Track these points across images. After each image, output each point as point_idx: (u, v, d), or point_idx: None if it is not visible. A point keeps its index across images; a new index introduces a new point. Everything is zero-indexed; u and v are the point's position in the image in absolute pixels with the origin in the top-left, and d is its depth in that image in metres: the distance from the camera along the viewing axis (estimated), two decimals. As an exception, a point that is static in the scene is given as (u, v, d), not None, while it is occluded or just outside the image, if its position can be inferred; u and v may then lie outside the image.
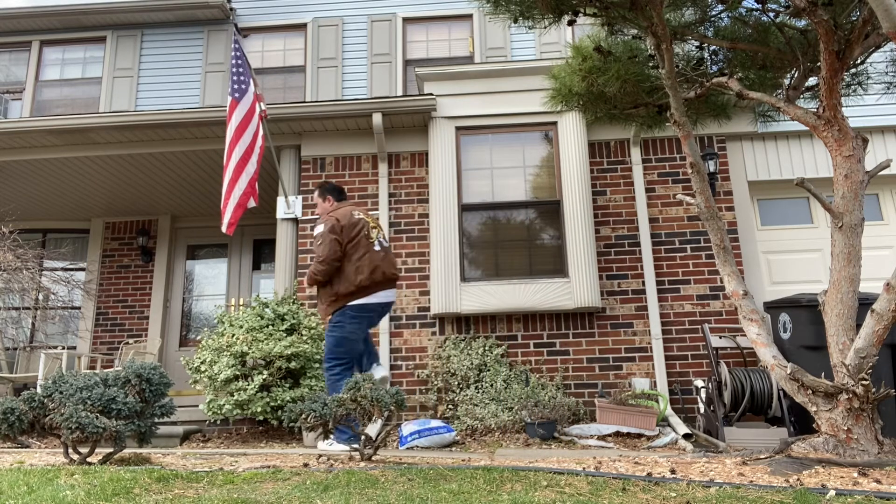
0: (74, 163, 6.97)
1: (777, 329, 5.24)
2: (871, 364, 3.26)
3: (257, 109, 5.76)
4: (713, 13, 4.52)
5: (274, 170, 6.75)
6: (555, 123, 6.32)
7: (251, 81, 5.80)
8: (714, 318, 5.93)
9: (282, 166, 6.60)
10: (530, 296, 5.85)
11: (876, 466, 2.97)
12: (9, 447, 4.18)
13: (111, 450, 3.24)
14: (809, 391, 3.41)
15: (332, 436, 4.08)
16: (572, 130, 6.24)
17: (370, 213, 4.78)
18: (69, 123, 6.49)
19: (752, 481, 2.75)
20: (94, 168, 7.12)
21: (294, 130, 6.59)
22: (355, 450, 3.47)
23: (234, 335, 5.33)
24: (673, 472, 3.01)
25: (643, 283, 6.06)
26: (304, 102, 7.14)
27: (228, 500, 2.33)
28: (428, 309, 6.08)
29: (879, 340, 3.25)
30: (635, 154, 6.41)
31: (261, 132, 5.73)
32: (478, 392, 5.61)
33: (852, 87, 4.81)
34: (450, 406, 5.70)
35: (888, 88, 5.08)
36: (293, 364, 5.24)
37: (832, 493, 2.44)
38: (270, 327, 5.47)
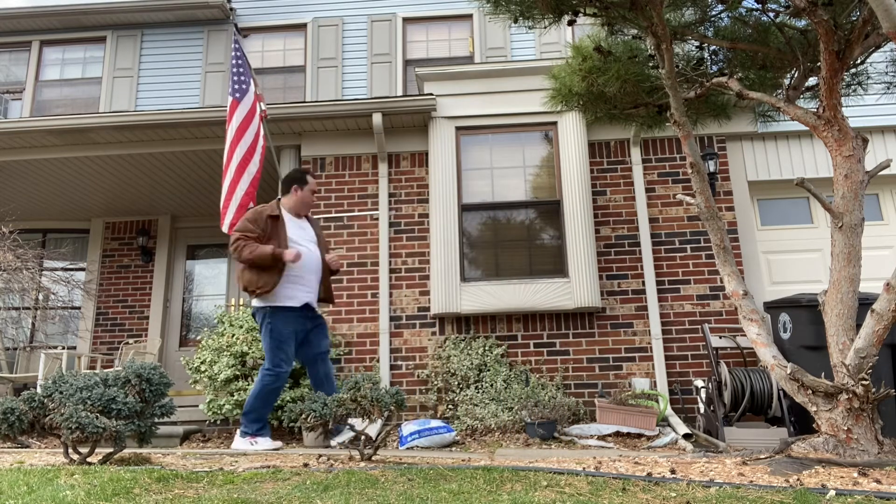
0: (74, 163, 6.97)
1: (777, 329, 5.24)
2: (871, 364, 3.26)
3: (258, 110, 5.76)
4: (713, 13, 4.52)
5: (274, 170, 6.75)
6: (555, 123, 6.32)
7: (251, 82, 5.81)
8: (714, 318, 5.93)
9: (282, 166, 6.60)
10: (530, 296, 5.85)
11: (876, 466, 2.97)
12: (9, 447, 4.18)
13: (111, 450, 3.24)
14: (809, 391, 3.41)
15: (245, 436, 4.32)
16: (572, 130, 6.24)
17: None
18: (69, 123, 6.49)
19: (752, 481, 2.75)
20: (94, 168, 7.12)
21: (294, 130, 6.59)
22: (355, 447, 3.47)
23: (234, 335, 5.33)
24: (673, 472, 3.01)
25: (643, 283, 6.06)
26: (304, 102, 7.14)
27: (228, 500, 2.33)
28: (428, 309, 6.08)
29: (879, 340, 3.25)
30: (635, 154, 6.41)
31: (262, 132, 5.73)
32: (478, 392, 5.62)
33: (852, 87, 4.81)
34: (450, 406, 5.70)
35: (888, 88, 5.08)
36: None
37: (832, 493, 2.44)
38: (270, 327, 5.47)
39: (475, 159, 6.37)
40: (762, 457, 3.31)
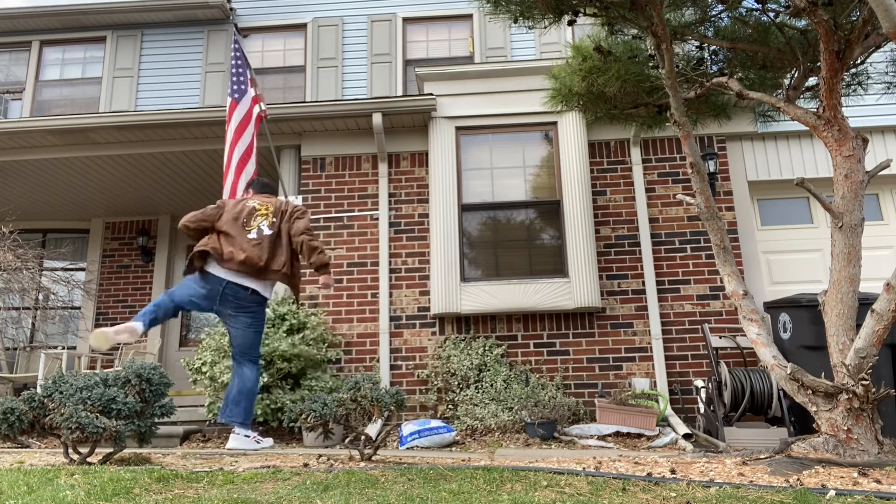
0: (74, 163, 6.97)
1: (777, 329, 5.24)
2: (871, 364, 3.26)
3: (255, 111, 5.76)
4: (713, 13, 4.52)
5: (274, 170, 6.75)
6: (555, 123, 6.32)
7: (249, 82, 5.80)
8: (714, 318, 5.93)
9: (282, 166, 6.60)
10: (530, 296, 5.85)
11: (876, 466, 2.97)
12: (9, 447, 4.18)
13: (111, 450, 3.24)
14: (809, 391, 3.41)
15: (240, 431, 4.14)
16: (572, 130, 6.24)
17: (268, 200, 4.66)
18: (69, 123, 6.49)
19: (752, 481, 2.75)
20: (94, 168, 7.11)
21: (294, 130, 6.58)
22: (355, 447, 3.47)
23: (234, 335, 5.32)
24: (673, 472, 3.01)
25: (643, 283, 6.06)
26: (304, 102, 7.14)
27: (228, 500, 2.33)
28: (428, 309, 6.08)
29: (879, 340, 3.25)
30: (635, 154, 6.41)
31: (253, 132, 5.73)
32: (478, 392, 5.61)
33: (852, 87, 4.81)
34: (450, 406, 5.70)
35: (888, 88, 5.08)
36: (293, 364, 5.24)
37: (832, 493, 2.45)
38: (271, 328, 5.47)
39: (475, 159, 6.37)
40: (762, 457, 3.32)
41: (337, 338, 6.02)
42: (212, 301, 3.93)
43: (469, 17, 9.01)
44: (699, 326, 5.88)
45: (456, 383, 5.74)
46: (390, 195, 6.43)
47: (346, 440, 3.58)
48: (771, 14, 4.19)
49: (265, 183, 4.77)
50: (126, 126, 6.49)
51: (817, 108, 3.72)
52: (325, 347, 5.78)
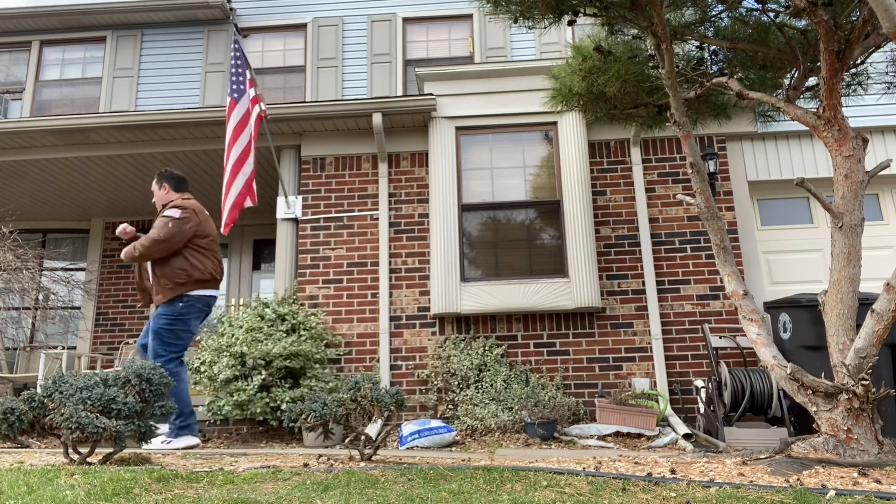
0: (74, 163, 6.97)
1: (777, 329, 5.24)
2: (871, 364, 3.26)
3: (254, 110, 5.75)
4: (713, 13, 4.52)
5: (274, 170, 6.75)
6: (555, 123, 6.32)
7: (249, 82, 5.80)
8: (714, 318, 5.93)
9: (282, 166, 6.60)
10: (530, 296, 5.85)
11: (876, 466, 2.97)
12: (9, 447, 4.18)
13: (111, 450, 3.24)
14: (809, 391, 3.41)
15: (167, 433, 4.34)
16: (572, 130, 6.24)
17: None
18: (69, 123, 6.49)
19: (752, 481, 2.75)
20: (94, 168, 7.12)
21: (294, 130, 6.59)
22: (355, 447, 3.47)
23: (233, 335, 5.34)
24: (673, 472, 3.01)
25: (643, 283, 6.06)
26: (304, 102, 7.14)
27: (228, 500, 2.33)
28: (428, 309, 6.08)
29: (879, 340, 3.25)
30: (635, 154, 6.41)
31: (252, 133, 5.72)
32: (478, 392, 5.62)
33: (852, 87, 4.81)
34: (450, 406, 5.70)
35: (888, 88, 5.07)
36: (293, 364, 5.24)
37: (832, 493, 2.44)
38: (270, 327, 5.48)
39: (475, 159, 6.37)
40: (762, 457, 3.32)
41: (337, 337, 6.02)
42: None
43: (469, 17, 9.02)
44: (699, 326, 5.88)
45: (456, 383, 5.74)
46: (390, 195, 6.43)
47: (346, 440, 3.58)
48: (771, 14, 4.19)
49: (183, 179, 4.96)
50: (126, 126, 6.49)
51: (817, 108, 3.72)
52: (324, 346, 5.78)
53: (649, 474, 2.91)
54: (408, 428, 5.04)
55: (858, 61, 4.40)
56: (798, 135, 6.65)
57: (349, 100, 7.61)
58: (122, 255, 4.61)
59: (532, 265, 6.08)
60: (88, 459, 3.18)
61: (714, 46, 4.67)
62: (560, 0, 4.07)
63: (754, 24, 4.35)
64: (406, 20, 9.11)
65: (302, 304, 6.11)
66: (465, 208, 6.19)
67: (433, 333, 6.05)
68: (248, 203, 5.68)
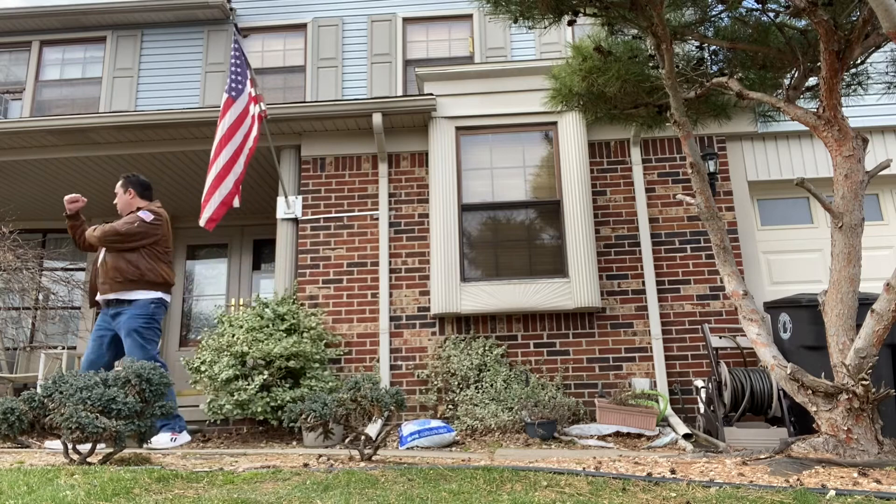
0: (74, 163, 6.97)
1: (777, 329, 5.24)
2: (871, 364, 3.26)
3: (251, 111, 5.72)
4: (713, 13, 4.52)
5: (274, 170, 6.75)
6: (555, 123, 6.32)
7: (248, 83, 5.78)
8: (714, 318, 5.93)
9: (282, 166, 6.60)
10: (530, 296, 5.85)
11: (876, 466, 2.97)
12: (9, 447, 4.18)
13: (111, 450, 3.24)
14: (809, 391, 3.41)
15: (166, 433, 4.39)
16: (572, 130, 6.24)
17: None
18: (69, 123, 6.49)
19: (752, 481, 2.76)
20: (94, 168, 7.12)
21: (294, 130, 6.58)
22: (355, 447, 3.47)
23: (234, 335, 5.34)
24: (673, 472, 3.01)
25: (643, 283, 6.06)
26: (304, 102, 7.14)
27: (228, 500, 2.33)
28: (428, 309, 6.08)
29: (879, 340, 3.25)
30: (635, 154, 6.41)
31: (252, 134, 5.68)
32: (478, 392, 5.61)
33: (852, 87, 4.81)
34: (450, 406, 5.70)
35: (888, 88, 5.07)
36: (293, 364, 5.24)
37: (832, 493, 2.45)
38: (270, 327, 5.48)
39: (475, 159, 6.37)
40: (762, 457, 3.32)
41: (337, 337, 6.02)
42: None
43: (469, 17, 9.02)
44: (699, 326, 5.88)
45: (456, 383, 5.74)
46: (390, 195, 6.43)
47: (346, 440, 3.58)
48: (771, 14, 4.19)
49: (149, 185, 5.05)
50: (126, 126, 6.49)
51: (817, 108, 3.72)
52: (324, 347, 5.78)
53: (649, 474, 2.91)
54: (408, 428, 5.04)
55: (858, 61, 4.40)
56: (798, 135, 6.65)
57: (349, 100, 7.61)
58: (86, 234, 4.66)
59: (532, 265, 6.08)
60: (88, 459, 3.18)
61: (714, 46, 4.67)
62: (560, 0, 4.07)
63: (754, 24, 4.35)
64: (406, 20, 9.11)
65: (302, 304, 6.11)
66: (465, 208, 6.19)
67: (433, 333, 6.05)
68: (236, 203, 5.66)
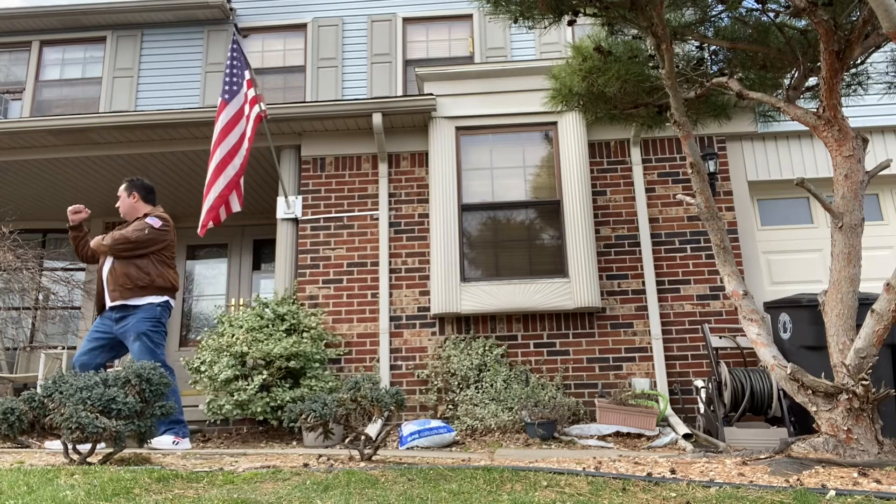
0: (74, 163, 6.97)
1: (777, 329, 5.24)
2: (871, 364, 3.26)
3: (246, 112, 5.70)
4: (713, 13, 4.52)
5: (274, 170, 6.75)
6: (555, 123, 6.32)
7: (245, 84, 5.76)
8: (714, 318, 5.93)
9: (282, 166, 6.60)
10: (530, 296, 5.85)
11: (876, 466, 2.97)
12: (9, 447, 4.18)
13: (111, 450, 3.24)
14: (809, 391, 3.41)
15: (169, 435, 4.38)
16: (572, 130, 6.24)
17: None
18: (69, 123, 6.49)
19: (752, 481, 2.76)
20: (94, 168, 7.12)
21: (294, 130, 6.59)
22: (355, 447, 3.47)
23: (234, 335, 5.33)
24: (673, 472, 3.01)
25: (643, 283, 6.06)
26: (304, 102, 7.14)
27: (228, 500, 2.33)
28: (428, 309, 6.08)
29: (879, 340, 3.25)
30: (635, 154, 6.41)
31: (248, 134, 5.63)
32: (478, 392, 5.61)
33: (852, 87, 4.81)
34: (450, 406, 5.70)
35: (888, 88, 5.08)
36: (293, 364, 5.24)
37: (832, 493, 2.44)
38: (270, 327, 5.48)
39: (475, 159, 6.37)
40: (762, 457, 3.32)
41: (337, 338, 6.02)
42: None
43: (469, 17, 9.02)
44: (699, 326, 5.88)
45: (456, 383, 5.74)
46: (390, 195, 6.43)
47: (346, 440, 3.58)
48: (771, 14, 4.18)
49: (153, 189, 5.03)
50: (126, 126, 6.49)
51: (817, 108, 3.72)
52: (324, 347, 5.78)
53: (649, 474, 2.91)
54: (408, 428, 5.04)
55: (858, 61, 4.40)
56: (798, 135, 6.65)
57: (349, 100, 7.61)
58: (92, 243, 4.66)
59: (532, 265, 6.08)
60: (88, 459, 3.18)
61: (714, 46, 4.67)
62: (560, 0, 4.07)
63: (754, 24, 4.35)
64: (406, 20, 9.11)
65: (302, 304, 6.11)
66: (465, 208, 6.19)
67: (433, 333, 6.05)
68: (237, 207, 5.63)
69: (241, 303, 8.35)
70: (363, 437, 3.43)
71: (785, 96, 4.19)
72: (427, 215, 6.31)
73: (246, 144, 5.59)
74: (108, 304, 4.58)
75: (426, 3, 9.14)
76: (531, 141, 6.41)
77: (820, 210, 6.50)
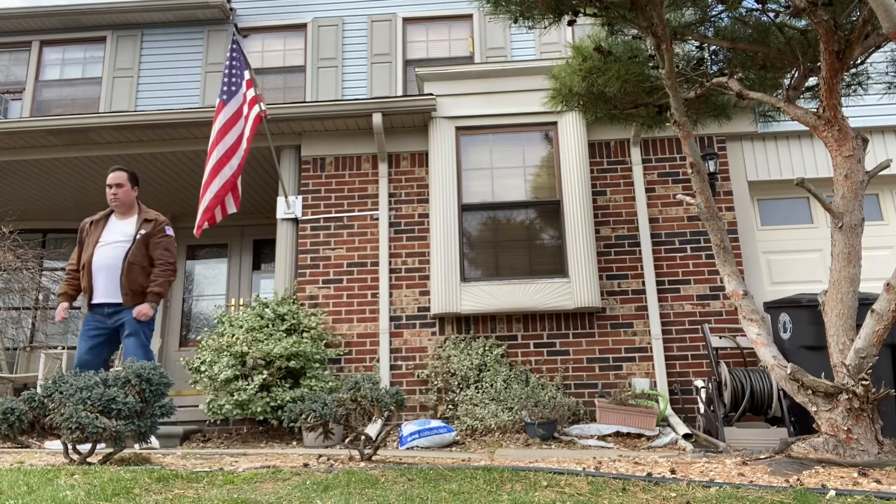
0: (74, 163, 6.97)
1: (777, 329, 5.24)
2: (871, 364, 3.26)
3: (244, 112, 5.69)
4: (713, 13, 4.52)
5: (274, 170, 6.75)
6: (555, 123, 6.32)
7: (244, 84, 5.75)
8: (714, 318, 5.93)
9: (282, 166, 6.59)
10: (530, 296, 5.85)
11: (876, 466, 2.97)
12: (9, 447, 4.18)
13: (111, 450, 3.24)
14: (809, 391, 3.41)
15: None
16: (572, 130, 6.24)
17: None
18: (69, 123, 6.49)
19: (752, 481, 2.76)
20: (94, 168, 7.11)
21: (294, 130, 6.58)
22: (355, 447, 3.47)
23: (234, 335, 5.33)
24: (673, 472, 3.01)
25: (643, 283, 6.06)
26: (304, 102, 7.14)
27: (228, 500, 2.33)
28: (428, 309, 6.08)
29: (879, 340, 3.25)
30: (635, 154, 6.41)
31: (246, 135, 5.60)
32: (478, 392, 5.61)
33: (852, 87, 4.81)
34: (450, 406, 5.70)
35: (888, 88, 5.07)
36: (293, 364, 5.24)
37: (832, 493, 2.45)
38: (270, 327, 5.48)
39: (475, 159, 6.37)
40: (762, 457, 3.32)
41: (337, 338, 6.02)
42: None
43: (469, 17, 9.02)
44: (699, 326, 5.88)
45: (456, 383, 5.74)
46: (390, 195, 6.43)
47: (346, 440, 3.58)
48: (771, 14, 4.18)
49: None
50: (126, 126, 6.49)
51: (817, 108, 3.72)
52: (324, 347, 5.78)
53: (649, 474, 2.91)
54: (408, 428, 5.04)
55: (858, 61, 4.40)
56: (798, 135, 6.65)
57: (349, 100, 7.61)
58: (158, 285, 4.63)
59: (532, 265, 6.08)
60: (88, 459, 3.18)
61: (714, 46, 4.67)
62: (560, 0, 4.07)
63: (754, 24, 4.35)
64: (406, 20, 9.11)
65: (302, 304, 6.11)
66: (465, 208, 6.19)
67: (433, 333, 6.05)
68: (232, 208, 5.62)
69: (241, 303, 8.35)
70: (363, 437, 3.43)
71: (785, 96, 4.19)
72: (427, 215, 6.31)
73: (244, 145, 5.57)
74: (103, 300, 4.54)
75: (426, 3, 9.14)
76: (531, 141, 6.41)
77: (820, 210, 6.50)
